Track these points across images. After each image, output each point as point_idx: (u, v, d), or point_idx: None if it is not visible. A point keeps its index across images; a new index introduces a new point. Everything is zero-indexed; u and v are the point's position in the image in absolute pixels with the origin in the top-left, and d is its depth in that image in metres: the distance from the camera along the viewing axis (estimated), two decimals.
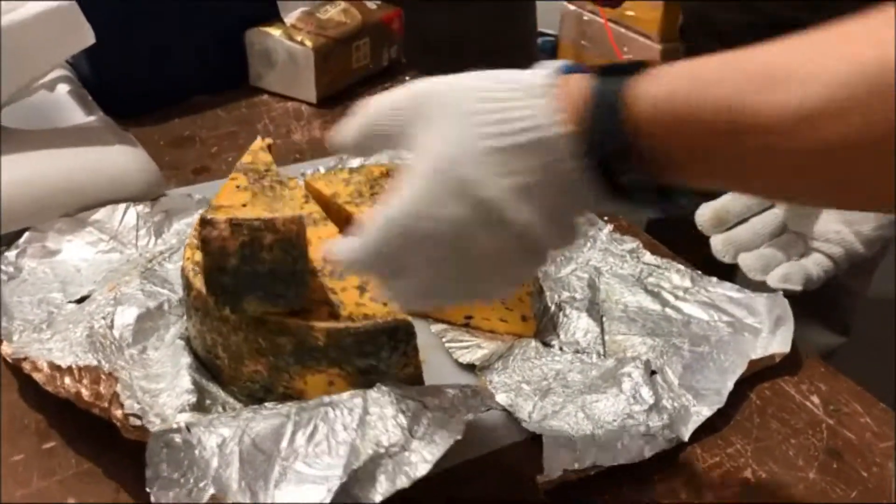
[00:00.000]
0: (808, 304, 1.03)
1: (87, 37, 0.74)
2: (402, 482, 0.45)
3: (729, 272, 0.68)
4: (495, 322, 0.63)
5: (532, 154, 0.40)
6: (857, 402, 0.58)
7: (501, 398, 0.57)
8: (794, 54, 0.36)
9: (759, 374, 0.60)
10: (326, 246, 0.46)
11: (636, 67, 0.39)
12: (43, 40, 0.72)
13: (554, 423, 0.54)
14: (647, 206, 0.41)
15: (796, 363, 0.62)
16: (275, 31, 0.96)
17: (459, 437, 0.47)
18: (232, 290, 0.51)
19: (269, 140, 0.59)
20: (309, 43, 0.95)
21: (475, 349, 0.61)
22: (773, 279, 0.62)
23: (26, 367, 0.54)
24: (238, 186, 0.53)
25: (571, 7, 2.48)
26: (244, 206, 0.51)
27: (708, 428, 0.56)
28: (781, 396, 0.59)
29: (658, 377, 0.58)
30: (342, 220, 0.65)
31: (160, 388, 0.55)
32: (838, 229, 0.62)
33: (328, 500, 0.43)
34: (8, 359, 0.56)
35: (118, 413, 0.48)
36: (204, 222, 0.50)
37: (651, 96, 0.38)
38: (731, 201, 0.64)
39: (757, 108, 0.35)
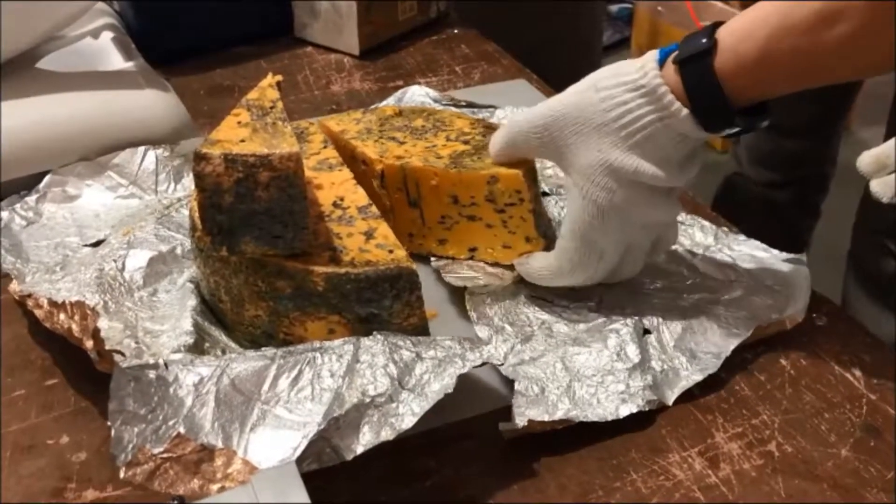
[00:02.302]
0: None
1: None
2: (387, 434, 0.43)
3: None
4: (499, 251, 0.61)
5: (658, 136, 0.50)
6: None
7: (481, 330, 0.55)
8: None
9: (795, 342, 0.56)
10: (521, 266, 0.58)
11: (705, 39, 0.49)
12: None
13: (530, 369, 0.51)
14: (735, 131, 0.50)
15: (838, 332, 0.57)
16: None
17: (450, 392, 0.44)
18: (228, 229, 0.50)
19: (278, 77, 0.57)
20: None
21: (471, 280, 0.59)
22: None
23: (30, 303, 0.54)
24: (239, 122, 0.51)
25: None
26: (242, 141, 0.49)
27: (733, 396, 0.52)
28: (819, 367, 0.54)
29: (652, 337, 0.54)
30: (347, 157, 0.63)
31: (163, 329, 0.54)
32: None
33: (303, 447, 0.41)
34: (15, 296, 0.56)
35: (89, 344, 0.47)
36: (198, 157, 0.48)
37: (730, 56, 0.48)
38: (892, 147, 0.60)
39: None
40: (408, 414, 0.44)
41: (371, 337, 0.48)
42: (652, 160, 0.51)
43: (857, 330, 0.57)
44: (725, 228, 0.64)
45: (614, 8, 2.71)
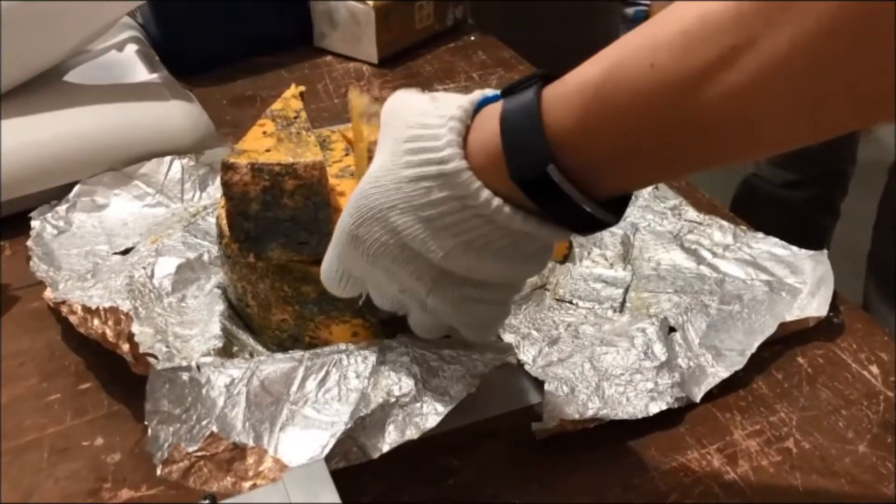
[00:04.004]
0: None
1: None
2: (412, 433, 0.44)
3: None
4: None
5: (442, 186, 0.39)
6: None
7: (508, 338, 0.55)
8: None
9: (813, 340, 0.56)
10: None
11: (540, 79, 0.38)
12: None
13: (559, 370, 0.52)
14: (574, 227, 0.40)
15: (856, 330, 0.57)
16: None
17: (473, 391, 0.45)
18: (255, 235, 0.51)
19: (301, 87, 0.58)
20: (370, 2, 0.94)
21: None
22: None
23: (64, 310, 0.56)
24: (265, 132, 0.52)
25: None
26: (267, 151, 0.50)
27: (751, 394, 0.53)
28: (836, 365, 0.55)
29: (677, 335, 0.55)
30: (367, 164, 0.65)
31: (192, 333, 0.55)
32: None
33: (331, 446, 0.43)
34: (50, 303, 0.58)
35: (125, 347, 0.48)
36: (225, 167, 0.49)
37: (561, 99, 0.36)
38: None
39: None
40: (431, 413, 0.45)
41: (395, 340, 0.49)
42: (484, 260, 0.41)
43: (875, 328, 0.58)
44: (744, 227, 0.65)
45: (631, 10, 2.71)
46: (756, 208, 1.37)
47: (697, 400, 0.52)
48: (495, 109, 0.39)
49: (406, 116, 0.41)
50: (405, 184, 0.40)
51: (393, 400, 0.45)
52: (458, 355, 0.48)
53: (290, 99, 0.57)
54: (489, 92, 0.41)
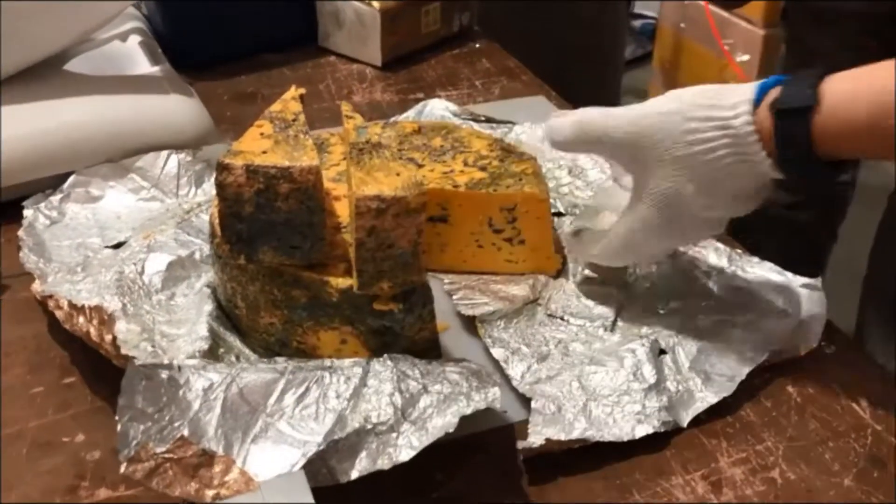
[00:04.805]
0: None
1: None
2: (384, 463, 0.44)
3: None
4: (510, 266, 0.63)
5: (735, 175, 0.50)
6: None
7: (497, 353, 0.55)
8: None
9: (803, 370, 0.56)
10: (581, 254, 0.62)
11: (810, 90, 0.47)
12: None
13: (546, 388, 0.52)
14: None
15: (847, 361, 0.57)
16: None
17: (451, 431, 0.45)
18: (247, 237, 0.51)
19: (301, 90, 0.58)
20: (376, 4, 0.93)
21: (482, 306, 0.59)
22: None
23: (50, 304, 0.55)
24: (262, 134, 0.52)
25: None
26: (264, 152, 0.50)
27: (739, 422, 0.53)
28: (826, 395, 0.55)
29: (667, 357, 0.55)
30: None
31: (179, 333, 0.55)
32: None
33: (300, 465, 0.42)
34: (37, 296, 0.57)
35: (108, 348, 0.48)
36: (220, 167, 0.49)
37: (831, 119, 0.47)
38: None
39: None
40: (406, 446, 0.44)
41: (381, 361, 0.49)
42: (722, 196, 0.51)
43: (866, 360, 0.58)
44: (739, 251, 0.65)
45: (638, 23, 2.72)
46: (755, 228, 1.36)
47: (685, 424, 0.52)
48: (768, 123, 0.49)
49: (682, 135, 0.51)
50: (691, 145, 0.51)
51: (369, 427, 0.45)
52: (443, 389, 0.47)
53: (289, 101, 0.56)
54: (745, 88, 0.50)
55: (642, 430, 0.50)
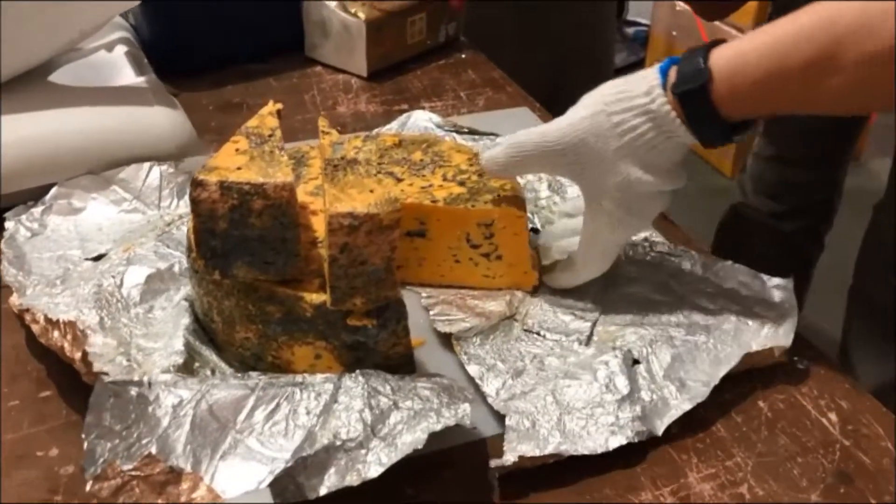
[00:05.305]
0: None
1: None
2: (352, 479, 0.44)
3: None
4: (487, 281, 0.64)
5: (666, 150, 0.55)
6: (880, 425, 0.54)
7: (472, 369, 0.55)
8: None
9: (774, 385, 0.57)
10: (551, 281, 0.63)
11: (701, 65, 0.52)
12: None
13: (521, 403, 0.52)
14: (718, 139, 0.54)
15: (819, 376, 0.57)
16: (331, 2, 0.96)
17: (420, 448, 0.45)
18: (221, 253, 0.51)
19: (279, 105, 0.58)
20: (362, 15, 0.94)
21: (458, 322, 0.60)
22: None
23: (27, 318, 0.55)
24: (238, 150, 0.52)
25: None
26: (238, 169, 0.50)
27: (709, 437, 0.53)
28: (796, 410, 0.55)
29: (641, 367, 0.56)
30: None
31: (156, 347, 0.55)
32: None
33: (267, 482, 0.42)
34: (14, 309, 0.58)
35: (77, 355, 0.48)
36: (194, 183, 0.49)
37: (726, 87, 0.51)
38: None
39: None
40: (375, 463, 0.44)
41: (352, 377, 0.49)
42: (661, 171, 0.55)
43: (837, 375, 0.58)
44: (713, 258, 0.65)
45: (630, 30, 2.73)
46: (742, 237, 1.37)
47: (660, 433, 0.52)
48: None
49: (613, 129, 0.54)
50: (621, 136, 0.55)
51: (339, 443, 0.45)
52: (413, 406, 0.47)
53: (266, 116, 0.57)
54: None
55: (616, 442, 0.51)
